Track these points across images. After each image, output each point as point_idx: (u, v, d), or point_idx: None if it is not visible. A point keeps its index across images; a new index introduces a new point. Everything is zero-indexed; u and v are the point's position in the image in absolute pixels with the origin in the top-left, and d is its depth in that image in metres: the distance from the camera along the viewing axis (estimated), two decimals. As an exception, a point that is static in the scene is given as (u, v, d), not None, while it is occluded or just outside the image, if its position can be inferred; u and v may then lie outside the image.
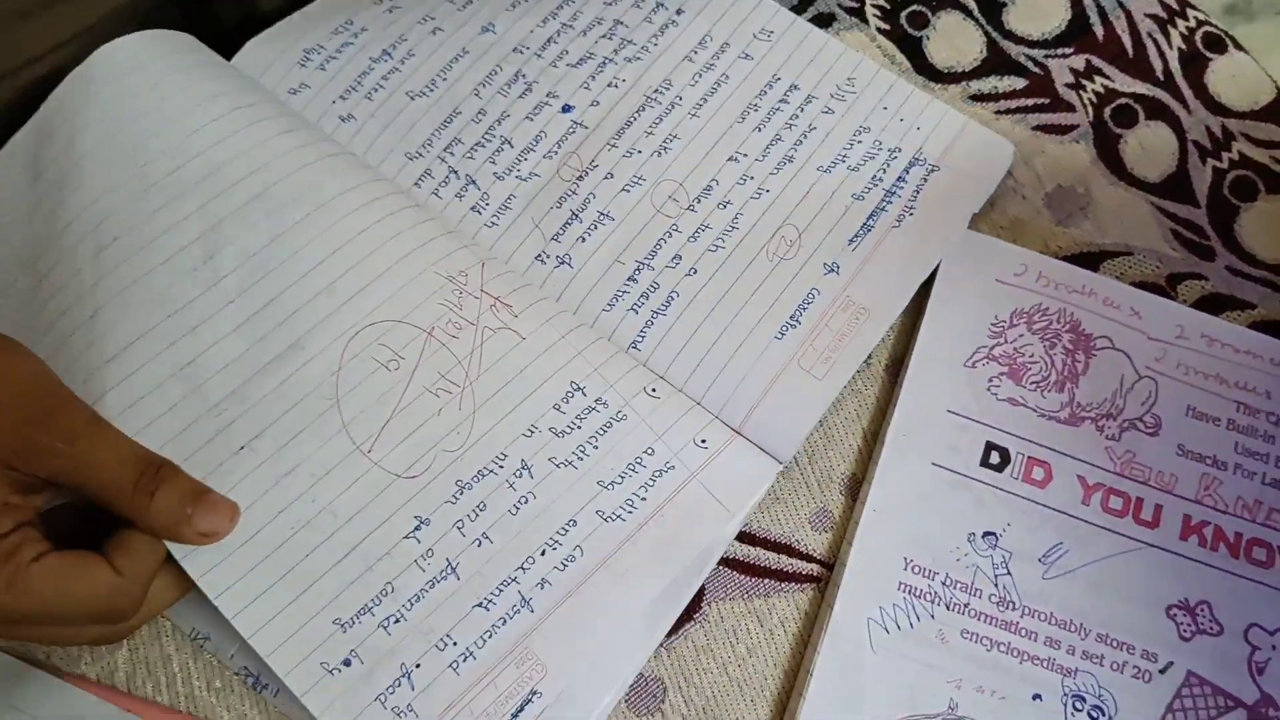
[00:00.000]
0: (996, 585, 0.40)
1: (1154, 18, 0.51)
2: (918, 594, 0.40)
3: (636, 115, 0.47)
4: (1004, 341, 0.44)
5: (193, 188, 0.40)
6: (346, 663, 0.36)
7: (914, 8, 0.51)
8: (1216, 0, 0.51)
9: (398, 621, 0.36)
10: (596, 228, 0.45)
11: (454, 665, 0.36)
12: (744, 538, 0.42)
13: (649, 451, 0.39)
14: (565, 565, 0.37)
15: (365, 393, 0.39)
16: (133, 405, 0.37)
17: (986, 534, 0.41)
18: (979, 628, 0.40)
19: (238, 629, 0.35)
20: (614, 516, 0.38)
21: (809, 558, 0.42)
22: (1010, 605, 0.40)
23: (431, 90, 0.47)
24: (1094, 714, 0.39)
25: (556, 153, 0.46)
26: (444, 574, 0.37)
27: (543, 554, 0.37)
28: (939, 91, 0.49)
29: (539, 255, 0.44)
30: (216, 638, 0.38)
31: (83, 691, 0.37)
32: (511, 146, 0.46)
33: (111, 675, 0.38)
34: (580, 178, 0.45)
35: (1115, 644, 0.40)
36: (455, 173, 0.46)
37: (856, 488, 0.42)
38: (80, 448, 0.34)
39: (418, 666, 0.36)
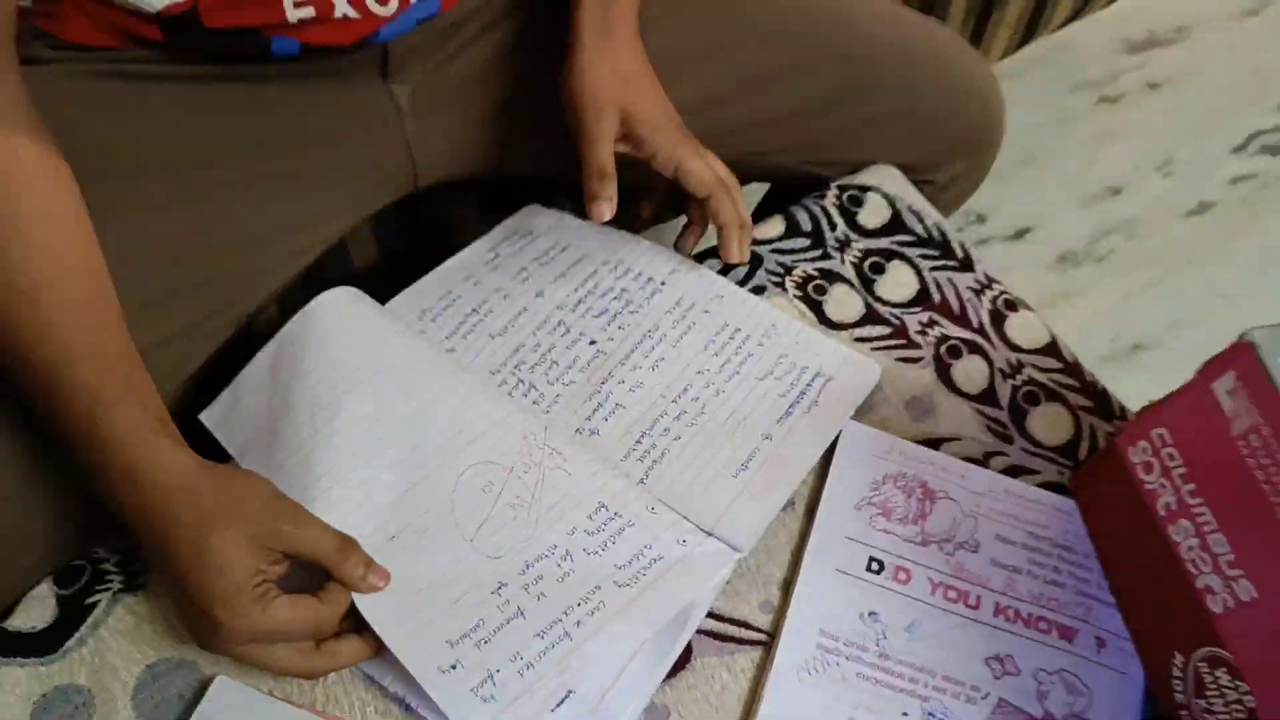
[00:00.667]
0: (878, 645, 0.63)
1: (971, 289, 0.78)
2: (829, 651, 0.63)
3: (637, 346, 0.72)
4: (879, 494, 0.68)
5: (370, 377, 0.64)
6: (454, 667, 0.57)
7: (816, 282, 0.78)
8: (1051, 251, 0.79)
9: (486, 643, 0.58)
10: (614, 413, 0.69)
11: (520, 671, 0.57)
12: (715, 616, 0.64)
13: (648, 546, 0.62)
14: (593, 613, 0.59)
15: (470, 505, 0.62)
16: (329, 510, 0.60)
17: (871, 613, 0.64)
18: (867, 671, 0.62)
19: (391, 648, 0.57)
20: (625, 584, 0.61)
21: (758, 629, 0.64)
22: (887, 658, 0.63)
23: (504, 333, 0.72)
24: (942, 728, 0.61)
25: (586, 369, 0.71)
26: (515, 616, 0.59)
27: (579, 605, 0.60)
28: (834, 334, 0.75)
29: (577, 429, 0.68)
30: (377, 673, 0.59)
31: (307, 713, 0.57)
32: (557, 365, 0.71)
33: (313, 704, 0.59)
34: (603, 383, 0.70)
35: (954, 681, 0.62)
36: (522, 382, 0.70)
37: (788, 586, 0.65)
38: (305, 532, 0.56)
39: (498, 671, 0.57)
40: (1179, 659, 0.60)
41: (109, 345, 0.56)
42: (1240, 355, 0.51)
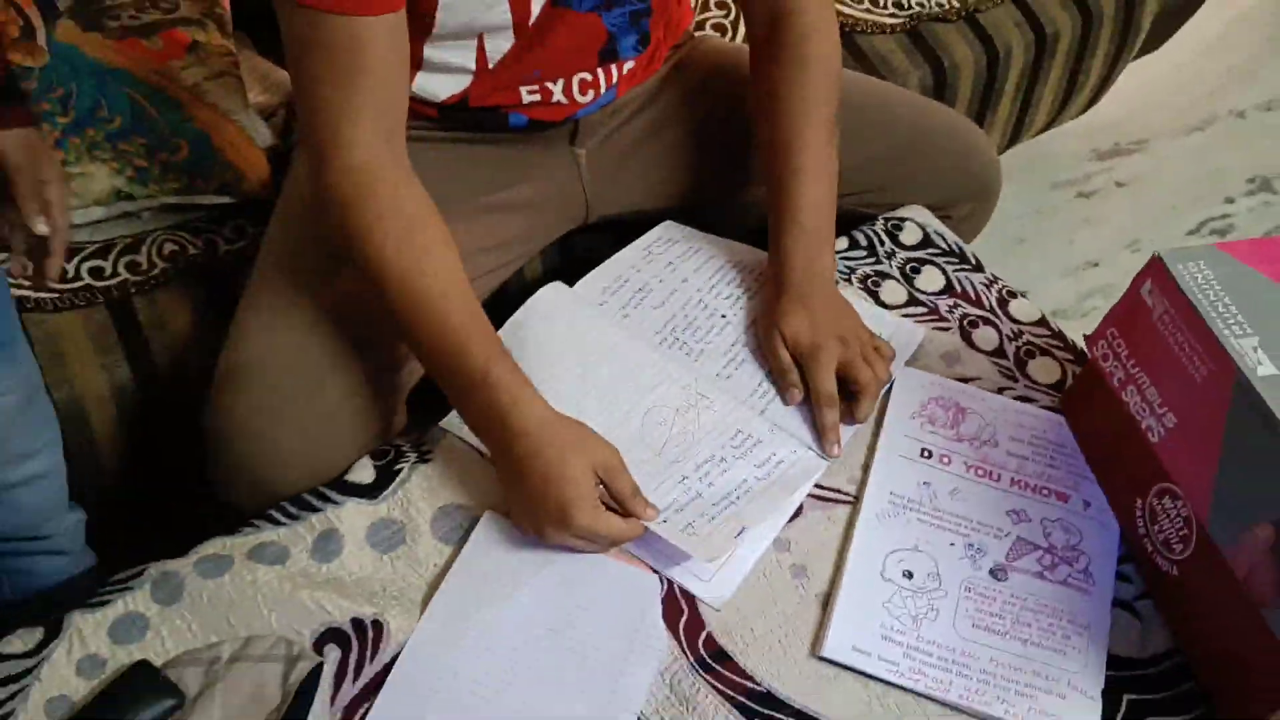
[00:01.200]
0: (931, 502, 0.92)
1: (982, 283, 1.09)
2: (896, 505, 0.91)
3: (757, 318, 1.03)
4: (926, 410, 0.98)
5: (580, 351, 0.95)
6: (664, 522, 0.85)
7: (873, 278, 1.09)
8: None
9: (679, 511, 0.86)
10: (741, 365, 0.99)
11: (709, 521, 0.86)
12: (819, 486, 0.92)
13: (773, 455, 0.92)
14: (745, 493, 0.88)
15: (653, 434, 0.91)
16: None
17: (925, 483, 0.93)
18: (924, 518, 0.91)
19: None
20: (761, 477, 0.90)
21: (847, 493, 0.92)
22: (938, 511, 0.91)
23: (662, 306, 1.03)
24: (977, 555, 0.89)
25: (721, 333, 1.01)
26: (696, 496, 0.88)
27: (735, 490, 0.89)
28: (888, 312, 1.06)
29: (717, 374, 0.98)
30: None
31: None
32: (700, 329, 1.01)
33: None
34: (732, 344, 1.00)
35: (985, 525, 0.91)
36: (678, 340, 1.00)
37: (867, 467, 0.94)
38: (622, 471, 0.85)
39: (692, 524, 0.86)
40: (1139, 503, 0.88)
41: (486, 327, 0.87)
42: (1155, 266, 0.81)
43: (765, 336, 0.99)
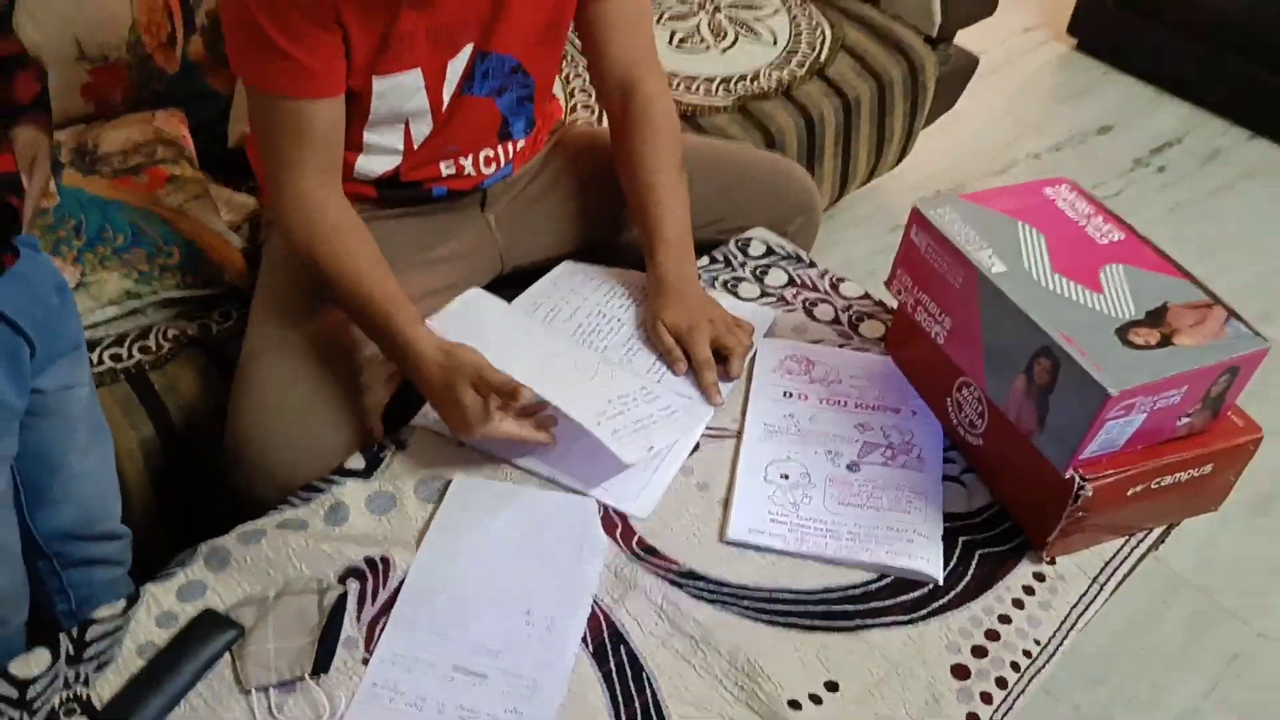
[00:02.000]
0: (796, 428, 1.20)
1: (816, 275, 1.40)
2: (770, 431, 1.19)
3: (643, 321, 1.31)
4: (783, 365, 1.27)
5: (512, 337, 1.22)
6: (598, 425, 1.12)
7: (731, 282, 1.39)
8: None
9: (599, 425, 1.13)
10: (638, 352, 1.27)
11: (624, 438, 1.12)
12: (710, 428, 1.20)
13: (670, 404, 1.20)
14: (651, 425, 1.16)
15: (583, 367, 1.19)
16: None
17: (789, 414, 1.21)
18: (793, 438, 1.18)
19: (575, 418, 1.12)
20: (666, 413, 1.17)
21: (732, 430, 1.20)
22: (802, 432, 1.19)
23: (572, 318, 1.30)
24: (835, 456, 1.17)
25: (619, 332, 1.29)
26: (615, 424, 1.15)
27: (646, 420, 1.16)
28: (746, 303, 1.35)
29: (620, 359, 1.26)
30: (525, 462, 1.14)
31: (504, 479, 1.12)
32: (602, 331, 1.29)
33: (507, 477, 1.13)
34: (629, 338, 1.28)
35: (838, 436, 1.19)
36: (588, 339, 1.28)
37: (744, 411, 1.22)
38: (499, 375, 1.12)
39: (615, 433, 1.12)
40: (948, 400, 1.18)
41: (392, 290, 1.15)
42: (915, 214, 1.13)
43: (651, 328, 1.27)
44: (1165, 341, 1.00)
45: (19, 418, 1.04)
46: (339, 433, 1.18)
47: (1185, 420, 1.04)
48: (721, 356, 1.25)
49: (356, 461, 1.15)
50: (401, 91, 1.21)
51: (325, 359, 1.21)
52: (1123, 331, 1.01)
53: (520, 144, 1.36)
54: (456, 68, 1.24)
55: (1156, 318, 1.03)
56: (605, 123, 1.40)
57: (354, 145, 1.26)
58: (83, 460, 1.14)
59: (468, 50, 1.23)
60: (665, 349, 1.25)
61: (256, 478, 1.16)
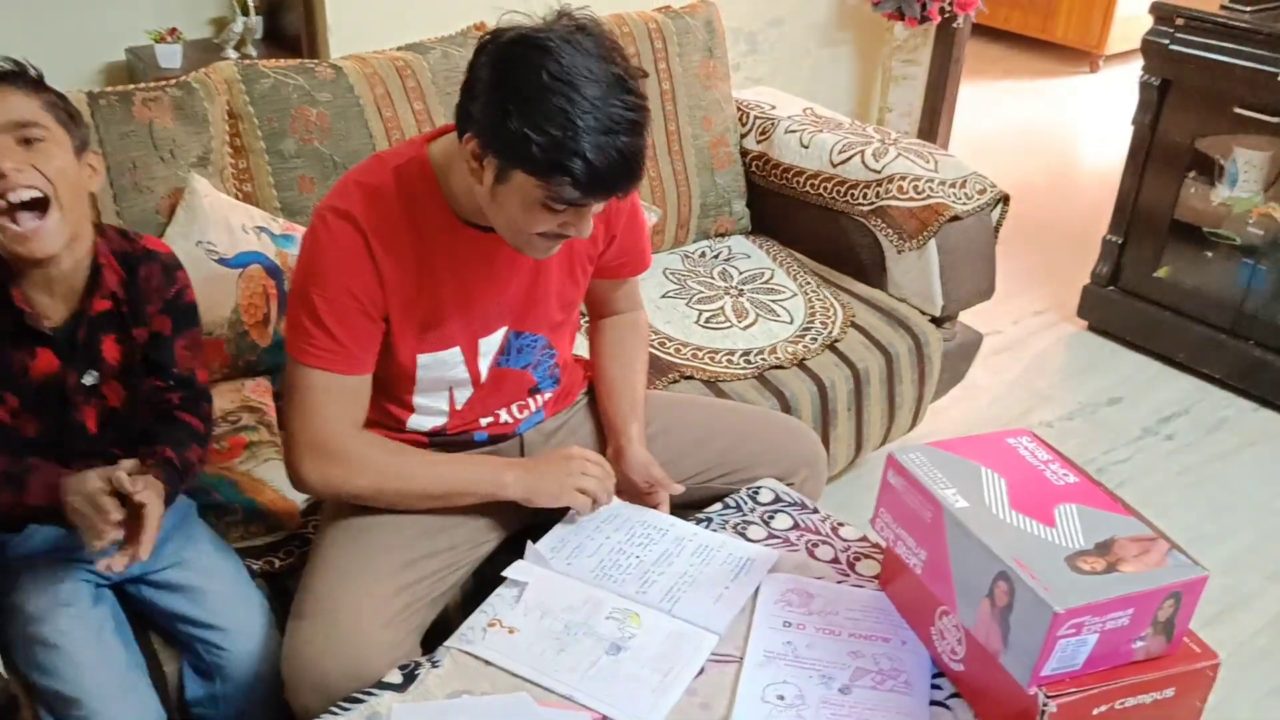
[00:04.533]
0: (794, 653, 1.31)
1: (820, 520, 1.55)
2: (770, 656, 1.31)
3: (660, 555, 1.46)
4: (784, 597, 1.40)
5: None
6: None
7: (740, 526, 1.54)
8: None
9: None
10: (653, 583, 1.41)
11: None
12: (715, 653, 1.32)
13: (679, 633, 1.33)
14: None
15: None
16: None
17: (788, 641, 1.33)
18: (790, 662, 1.30)
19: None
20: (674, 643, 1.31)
21: (736, 656, 1.32)
22: (798, 656, 1.31)
23: (595, 553, 1.46)
24: (828, 680, 1.28)
25: (637, 568, 1.44)
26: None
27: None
28: (753, 544, 1.49)
29: (637, 591, 1.40)
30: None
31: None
32: (621, 565, 1.44)
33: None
34: (645, 572, 1.43)
35: (832, 663, 1.30)
36: (609, 574, 1.43)
37: (746, 641, 1.34)
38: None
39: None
40: (932, 628, 1.30)
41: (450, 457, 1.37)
42: (891, 460, 1.29)
43: (628, 473, 1.53)
44: (1111, 569, 1.13)
45: None
46: (379, 653, 1.32)
47: (1140, 644, 1.15)
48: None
49: (394, 677, 1.28)
50: (444, 366, 1.43)
51: (371, 588, 1.37)
52: (1072, 559, 1.14)
53: (548, 396, 1.57)
54: (491, 344, 1.47)
55: (1104, 549, 1.16)
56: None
57: (405, 406, 1.48)
58: None
59: (501, 331, 1.47)
60: (649, 481, 1.56)
61: (304, 688, 1.30)
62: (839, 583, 1.44)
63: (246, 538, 1.58)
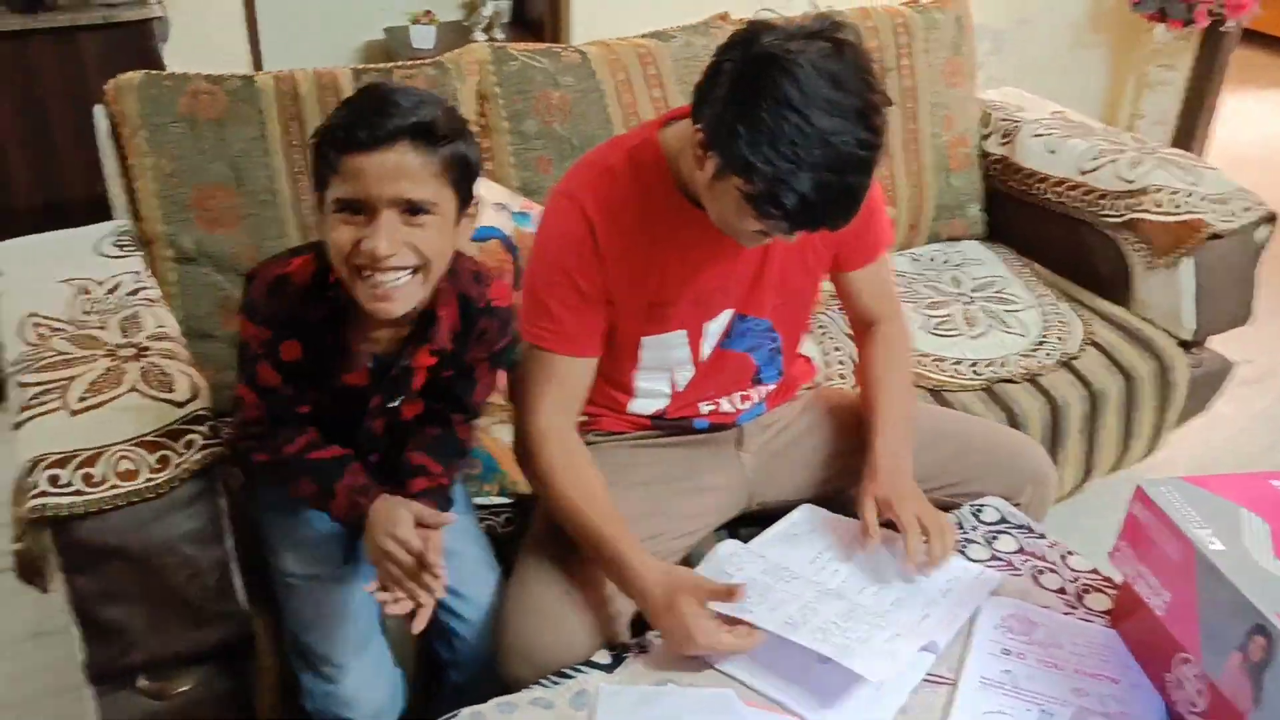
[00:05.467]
0: (1014, 685, 1.25)
1: (1045, 545, 1.47)
2: (987, 684, 1.25)
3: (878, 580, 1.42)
4: (1005, 622, 1.33)
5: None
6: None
7: (963, 545, 1.48)
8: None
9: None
10: (878, 593, 1.38)
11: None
12: (930, 674, 1.27)
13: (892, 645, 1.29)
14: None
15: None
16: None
17: (1006, 670, 1.27)
18: (1008, 691, 1.24)
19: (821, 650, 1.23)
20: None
21: (949, 678, 1.27)
22: (1018, 687, 1.25)
23: (814, 561, 1.43)
24: (1049, 718, 1.21)
25: (858, 582, 1.40)
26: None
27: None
28: (976, 564, 1.43)
29: (856, 605, 1.37)
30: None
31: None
32: (839, 576, 1.41)
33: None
34: (860, 590, 1.39)
35: (1055, 699, 1.23)
36: (824, 587, 1.40)
37: (961, 662, 1.29)
38: (705, 592, 1.26)
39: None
40: (1168, 674, 1.21)
41: (620, 519, 1.33)
42: (1139, 494, 1.21)
43: (860, 504, 1.40)
44: (1389, 634, 1.02)
45: None
46: (590, 632, 1.34)
47: None
48: (926, 543, 1.37)
49: (603, 657, 1.30)
50: (667, 347, 1.43)
51: (587, 567, 1.39)
52: (1343, 620, 1.04)
53: (771, 388, 1.55)
54: (715, 327, 1.46)
55: (1381, 611, 1.05)
56: (856, 386, 1.58)
57: (626, 390, 1.49)
58: None
59: (727, 314, 1.45)
60: (866, 523, 1.38)
61: (516, 659, 1.33)
62: (1065, 614, 1.36)
63: (480, 494, 1.64)
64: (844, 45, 1.19)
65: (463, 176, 1.22)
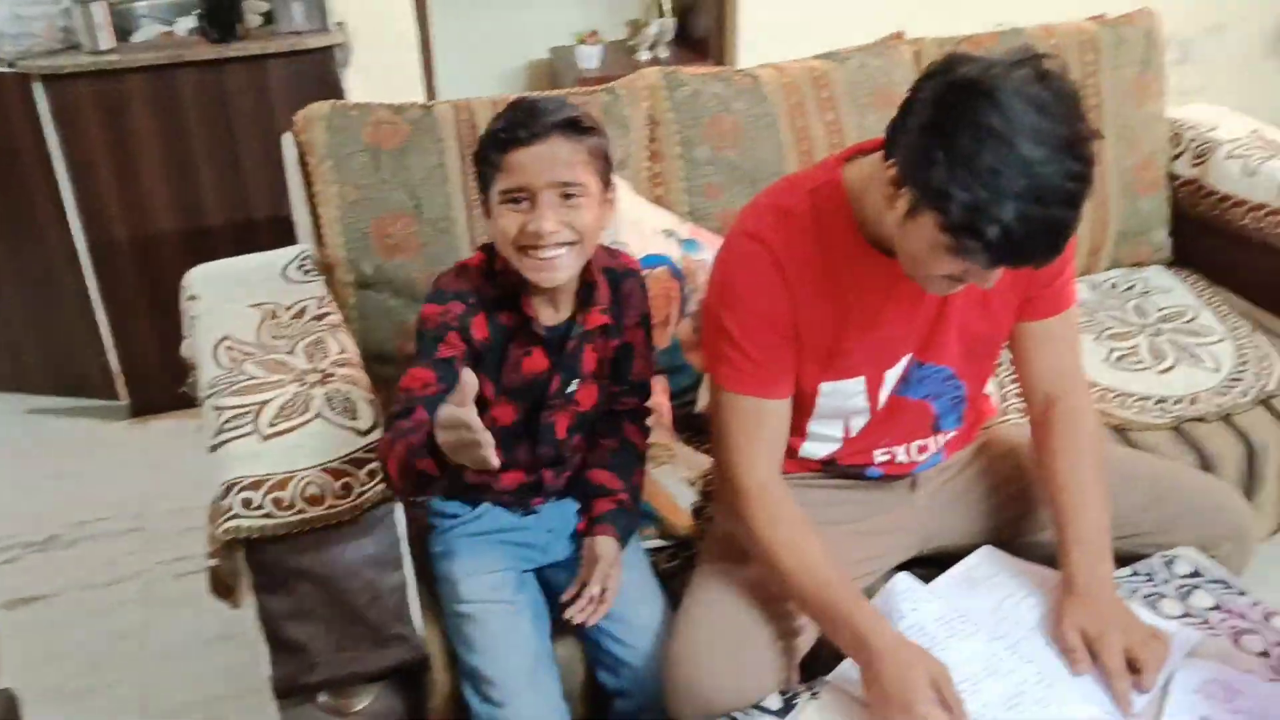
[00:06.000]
0: (1213, 752, 1.17)
1: (1246, 603, 1.37)
2: (1184, 752, 1.17)
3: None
4: (1203, 688, 1.25)
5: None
6: None
7: (1150, 598, 1.39)
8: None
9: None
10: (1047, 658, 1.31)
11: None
12: (1117, 735, 1.21)
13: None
14: None
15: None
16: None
17: (1207, 740, 1.19)
18: (1208, 761, 1.16)
19: None
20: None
21: (1142, 742, 1.20)
22: (1219, 757, 1.17)
23: (995, 612, 1.38)
24: None
25: (1035, 636, 1.34)
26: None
27: None
28: (1169, 621, 1.35)
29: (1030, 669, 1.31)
30: None
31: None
32: (1020, 626, 1.35)
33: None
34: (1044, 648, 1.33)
35: None
36: (1003, 634, 1.34)
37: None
38: (944, 686, 1.21)
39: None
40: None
41: (849, 585, 1.30)
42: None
43: (1058, 626, 1.31)
44: None
45: None
46: (760, 674, 1.32)
47: None
48: (1134, 668, 1.26)
49: (774, 701, 1.28)
50: (844, 395, 1.40)
51: (757, 606, 1.37)
52: None
53: (951, 435, 1.50)
54: (894, 374, 1.42)
55: None
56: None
57: (799, 433, 1.46)
58: None
59: (905, 360, 1.41)
60: (1069, 648, 1.28)
61: (684, 698, 1.32)
62: (1271, 681, 1.27)
63: (642, 539, 1.64)
64: (1049, 74, 1.14)
65: (606, 164, 1.39)
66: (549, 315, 1.43)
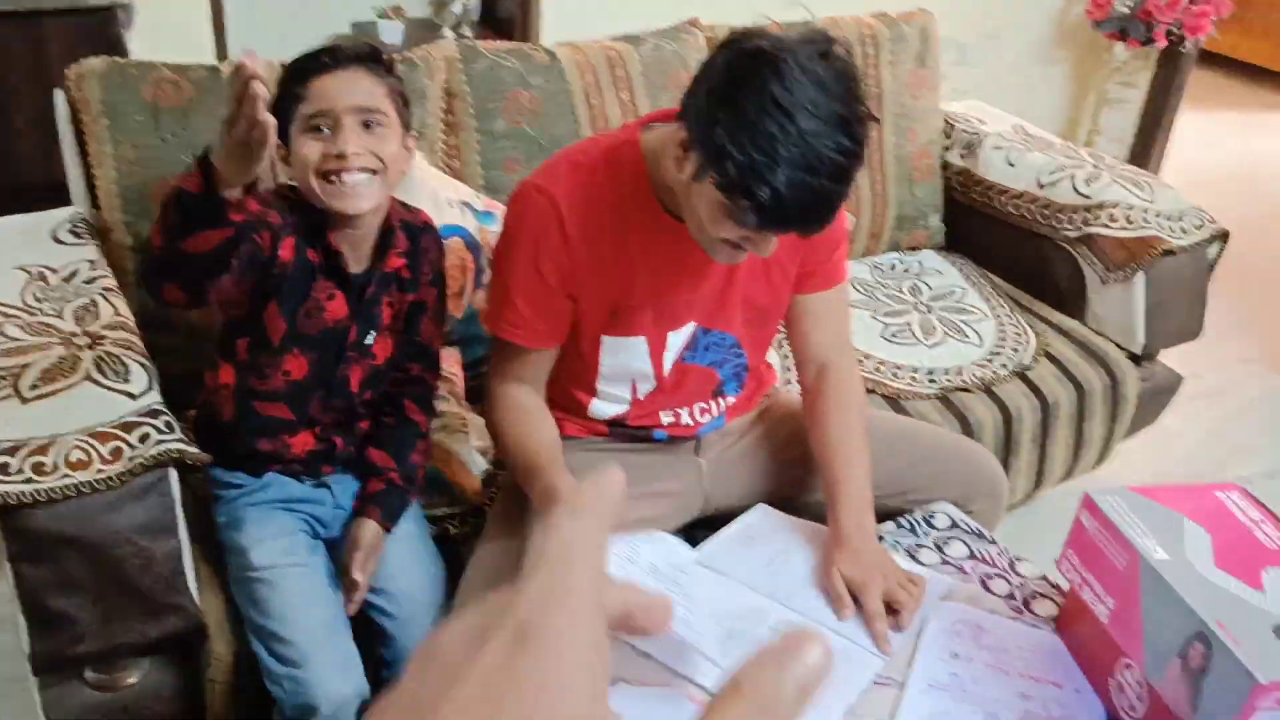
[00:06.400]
0: (962, 687, 1.27)
1: (994, 550, 1.49)
2: (933, 687, 1.27)
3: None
4: (952, 628, 1.35)
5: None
6: None
7: (912, 549, 1.50)
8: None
9: None
10: (814, 597, 1.39)
11: None
12: (879, 677, 1.29)
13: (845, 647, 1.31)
14: None
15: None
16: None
17: (953, 674, 1.29)
18: (955, 695, 1.26)
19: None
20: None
21: (897, 679, 1.29)
22: (964, 689, 1.27)
23: (769, 564, 1.45)
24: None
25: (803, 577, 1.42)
26: None
27: None
28: (928, 569, 1.45)
29: (802, 612, 1.38)
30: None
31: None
32: (787, 570, 1.42)
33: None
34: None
35: (1001, 703, 1.25)
36: (773, 586, 1.41)
37: (910, 661, 1.31)
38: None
39: None
40: (1110, 680, 1.23)
41: (559, 456, 1.37)
42: (1087, 501, 1.23)
43: (827, 575, 1.39)
44: (1323, 643, 1.05)
45: None
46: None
47: (1348, 727, 1.06)
48: (893, 610, 1.35)
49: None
50: (628, 353, 1.44)
51: None
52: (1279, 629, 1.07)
53: (732, 400, 1.56)
54: (678, 339, 1.47)
55: (1317, 620, 1.08)
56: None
57: (589, 390, 1.50)
58: None
59: (690, 326, 1.46)
60: (836, 595, 1.36)
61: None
62: (1012, 620, 1.38)
63: (427, 507, 1.63)
64: (833, 55, 1.21)
65: (404, 104, 1.43)
66: (352, 259, 1.44)
